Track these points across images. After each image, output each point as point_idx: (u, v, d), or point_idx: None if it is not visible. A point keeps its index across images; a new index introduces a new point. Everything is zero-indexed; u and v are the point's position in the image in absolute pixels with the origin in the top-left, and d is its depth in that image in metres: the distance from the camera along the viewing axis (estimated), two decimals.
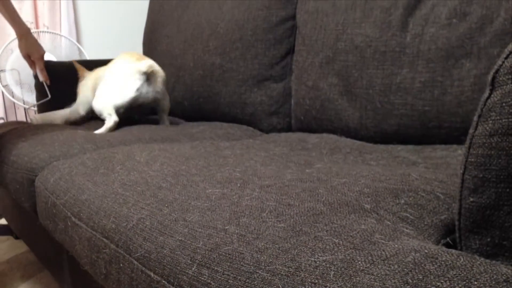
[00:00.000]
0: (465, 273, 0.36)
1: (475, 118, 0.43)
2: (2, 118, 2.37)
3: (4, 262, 1.61)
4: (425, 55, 0.97)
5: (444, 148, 0.90)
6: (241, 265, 0.45)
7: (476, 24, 0.89)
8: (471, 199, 0.42)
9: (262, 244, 0.47)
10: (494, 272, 0.36)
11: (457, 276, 0.36)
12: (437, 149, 0.90)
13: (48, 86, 1.74)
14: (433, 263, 0.38)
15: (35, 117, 1.62)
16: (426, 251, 0.40)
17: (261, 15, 1.45)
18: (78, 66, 1.72)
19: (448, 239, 0.50)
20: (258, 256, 0.45)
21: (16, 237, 1.84)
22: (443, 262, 0.38)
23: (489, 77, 0.41)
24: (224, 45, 1.55)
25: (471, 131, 0.44)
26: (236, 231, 0.50)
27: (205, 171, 0.74)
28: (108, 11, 2.62)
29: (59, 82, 1.83)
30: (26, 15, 2.37)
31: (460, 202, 0.44)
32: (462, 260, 0.38)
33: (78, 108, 1.61)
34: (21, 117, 2.42)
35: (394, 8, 1.05)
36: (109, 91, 1.43)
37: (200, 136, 1.30)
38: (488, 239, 0.42)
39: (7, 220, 1.76)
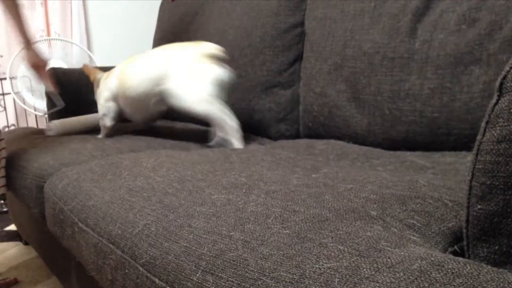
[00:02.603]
0: (471, 281, 0.35)
1: (483, 124, 0.43)
2: (14, 125, 2.39)
3: (13, 267, 1.62)
4: (434, 62, 0.97)
5: (453, 154, 0.89)
6: (246, 271, 0.45)
7: (485, 30, 0.88)
8: (479, 206, 0.42)
9: (267, 250, 0.46)
10: (501, 280, 0.35)
11: (464, 285, 0.35)
12: (446, 155, 0.89)
13: (60, 94, 1.66)
14: (439, 271, 0.37)
15: (54, 124, 1.56)
16: (432, 258, 0.40)
17: (269, 22, 1.45)
18: (89, 69, 1.59)
19: (456, 247, 0.49)
20: (263, 262, 0.45)
21: (25, 243, 1.85)
22: (449, 270, 0.37)
23: (497, 83, 0.41)
24: (233, 52, 1.55)
25: (478, 137, 0.43)
26: (241, 237, 0.50)
27: (211, 176, 0.74)
28: (118, 19, 2.64)
29: (70, 89, 1.85)
30: (37, 23, 2.40)
31: (467, 210, 0.43)
32: (468, 268, 0.37)
33: (104, 118, 1.48)
34: (32, 123, 2.44)
35: (402, 14, 1.05)
36: (193, 82, 1.18)
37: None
38: (496, 247, 0.41)
39: (16, 226, 1.77)
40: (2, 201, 2.31)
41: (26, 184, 1.13)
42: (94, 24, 2.60)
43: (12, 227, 2.07)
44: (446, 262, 0.39)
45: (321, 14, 1.28)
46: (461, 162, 0.81)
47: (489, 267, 0.38)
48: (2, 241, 1.92)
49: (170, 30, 1.99)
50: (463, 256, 0.45)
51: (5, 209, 2.30)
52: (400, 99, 1.03)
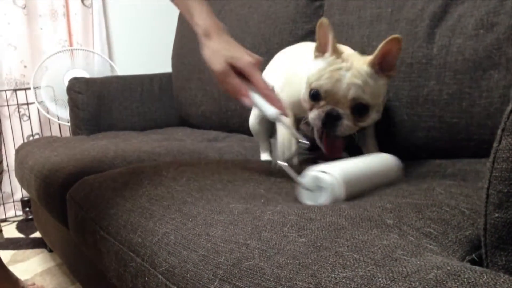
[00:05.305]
0: None
1: (499, 131, 0.43)
2: (38, 134, 2.44)
3: (37, 274, 1.65)
4: (452, 67, 0.96)
5: (472, 160, 0.89)
6: (262, 280, 0.46)
7: (504, 35, 0.87)
8: (496, 215, 0.42)
9: (283, 259, 0.47)
10: None
11: None
12: (466, 161, 0.88)
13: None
14: (455, 280, 0.37)
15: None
16: (448, 268, 0.40)
17: (287, 28, 1.46)
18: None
19: (473, 255, 0.49)
20: (279, 271, 0.45)
21: (50, 250, 1.88)
22: (465, 280, 0.37)
23: None
24: None
25: (495, 145, 0.43)
26: (258, 246, 0.51)
27: (230, 186, 0.75)
28: (138, 28, 2.68)
29: (92, 98, 1.88)
30: (60, 34, 2.45)
31: (485, 218, 0.43)
32: (485, 277, 0.37)
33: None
34: (55, 132, 2.49)
35: (420, 20, 1.04)
36: None
37: (228, 150, 1.31)
38: None
39: (41, 233, 1.80)
40: (27, 209, 2.36)
41: (50, 192, 1.16)
42: (115, 34, 2.64)
43: (37, 234, 2.11)
44: (462, 271, 0.39)
45: (338, 21, 1.28)
46: (480, 168, 0.81)
47: (506, 276, 0.38)
48: (27, 248, 1.96)
49: (188, 38, 2.02)
50: (482, 265, 0.45)
51: (30, 217, 2.34)
52: (419, 105, 1.02)
